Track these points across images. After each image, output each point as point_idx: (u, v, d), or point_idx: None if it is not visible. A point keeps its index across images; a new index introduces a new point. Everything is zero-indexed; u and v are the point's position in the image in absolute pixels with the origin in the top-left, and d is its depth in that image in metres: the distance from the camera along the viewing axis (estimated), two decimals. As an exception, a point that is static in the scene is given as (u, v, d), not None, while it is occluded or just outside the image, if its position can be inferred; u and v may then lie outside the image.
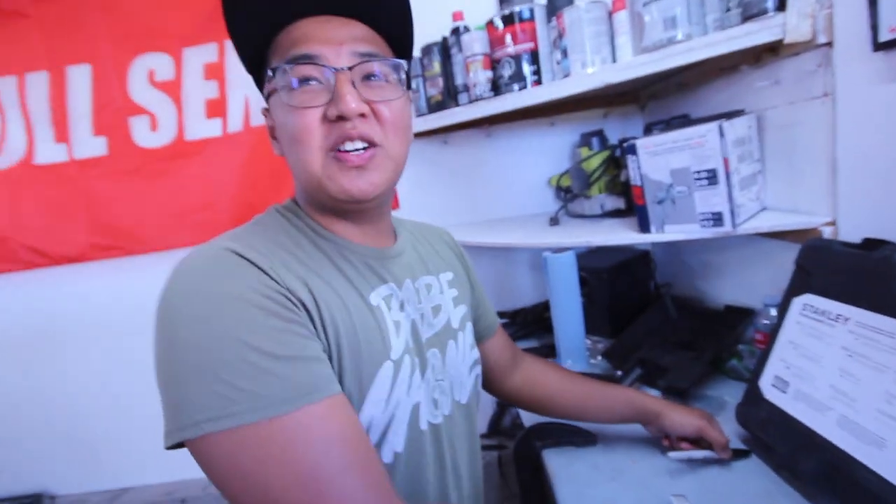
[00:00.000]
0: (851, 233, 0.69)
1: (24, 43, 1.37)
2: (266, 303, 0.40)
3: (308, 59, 0.45)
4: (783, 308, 0.68)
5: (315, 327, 0.43)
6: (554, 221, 1.16)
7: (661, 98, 1.23)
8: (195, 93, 1.39)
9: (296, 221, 0.51)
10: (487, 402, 1.27)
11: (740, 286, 1.00)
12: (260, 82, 0.53)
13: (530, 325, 1.29)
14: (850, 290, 0.59)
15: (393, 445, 0.48)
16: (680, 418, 0.68)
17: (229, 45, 1.35)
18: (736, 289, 1.02)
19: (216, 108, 1.40)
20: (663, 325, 1.04)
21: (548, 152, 1.37)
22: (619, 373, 0.95)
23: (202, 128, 1.40)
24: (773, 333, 0.69)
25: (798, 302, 0.66)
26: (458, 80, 1.16)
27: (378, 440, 0.47)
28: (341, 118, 0.45)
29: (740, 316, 0.93)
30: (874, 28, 0.62)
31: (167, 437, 0.39)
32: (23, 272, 1.48)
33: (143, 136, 1.41)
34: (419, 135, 1.22)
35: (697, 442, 0.68)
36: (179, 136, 1.40)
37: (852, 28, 0.66)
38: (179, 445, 0.39)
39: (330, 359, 0.44)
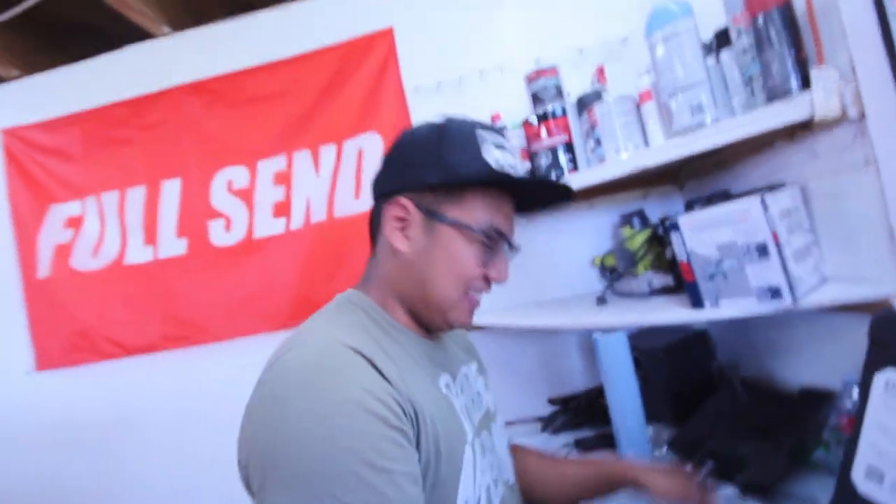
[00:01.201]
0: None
1: (127, 163, 1.63)
2: (379, 408, 0.42)
3: (504, 237, 0.58)
4: (864, 387, 0.62)
5: (418, 431, 0.45)
6: (601, 301, 1.15)
7: (700, 177, 1.25)
8: (265, 196, 1.57)
9: (371, 313, 0.54)
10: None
11: (812, 365, 0.92)
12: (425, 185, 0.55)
13: (584, 412, 1.22)
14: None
15: None
16: (663, 482, 0.66)
17: (297, 156, 1.55)
18: (808, 369, 0.94)
19: (282, 209, 1.56)
20: (733, 411, 0.96)
21: (589, 233, 1.39)
22: (689, 467, 0.86)
23: (269, 226, 1.56)
24: (857, 417, 0.62)
25: (881, 378, 0.60)
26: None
27: None
28: (492, 280, 0.57)
29: (820, 398, 0.85)
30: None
31: None
32: (100, 363, 1.61)
33: (219, 236, 1.57)
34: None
35: None
36: (248, 235, 1.56)
37: (881, 97, 0.67)
38: None
39: (428, 457, 0.46)
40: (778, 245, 0.76)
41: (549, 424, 1.26)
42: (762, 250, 0.77)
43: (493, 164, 0.54)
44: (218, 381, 1.48)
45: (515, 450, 0.75)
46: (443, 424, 0.48)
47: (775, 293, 0.77)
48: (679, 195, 1.36)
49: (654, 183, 1.36)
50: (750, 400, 0.97)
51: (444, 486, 0.46)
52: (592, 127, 1.06)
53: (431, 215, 0.53)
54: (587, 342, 1.37)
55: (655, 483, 0.66)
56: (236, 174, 1.58)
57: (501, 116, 1.32)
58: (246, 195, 1.57)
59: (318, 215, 1.52)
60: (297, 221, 1.54)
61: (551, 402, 1.33)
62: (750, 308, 0.80)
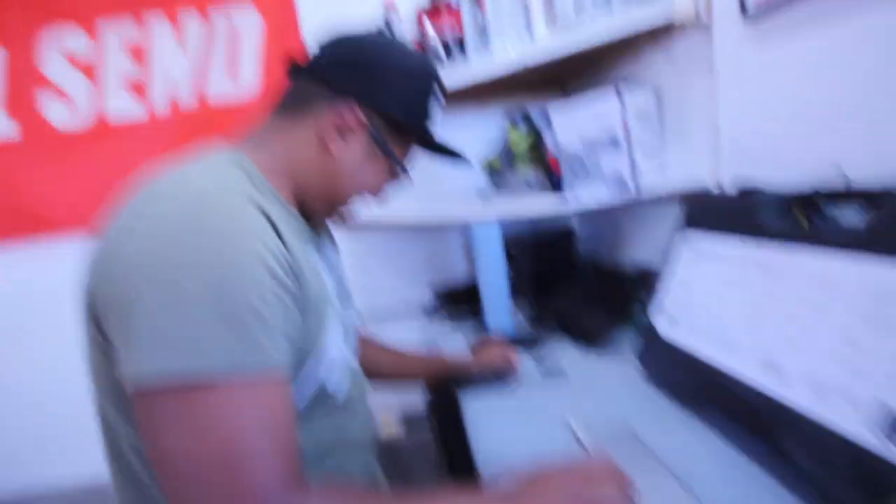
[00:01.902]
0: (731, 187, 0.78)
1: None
2: (273, 264, 0.42)
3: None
4: (673, 251, 0.76)
5: (303, 297, 0.46)
6: (482, 197, 1.21)
7: (580, 80, 1.32)
8: (114, 71, 1.33)
9: (255, 181, 0.50)
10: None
11: (650, 250, 1.09)
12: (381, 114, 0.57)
13: (463, 303, 1.32)
14: (724, 226, 0.66)
15: (347, 387, 0.55)
16: (454, 364, 0.83)
17: (152, 21, 1.32)
18: (646, 253, 1.11)
19: (139, 90, 1.34)
20: (583, 290, 1.11)
21: (477, 132, 1.42)
22: (535, 330, 1.00)
23: (124, 110, 1.35)
24: (664, 277, 0.76)
25: (684, 243, 0.73)
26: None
27: (338, 380, 0.53)
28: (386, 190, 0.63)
29: (647, 274, 1.01)
30: (742, 4, 0.71)
31: (133, 375, 0.38)
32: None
33: (59, 116, 1.33)
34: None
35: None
36: (100, 119, 1.34)
37: (726, 6, 0.75)
38: None
39: (306, 320, 0.47)
40: (628, 138, 0.84)
41: (431, 313, 1.35)
42: (614, 143, 0.85)
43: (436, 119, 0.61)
44: (65, 279, 1.33)
45: (367, 339, 0.83)
46: (317, 294, 0.50)
47: (622, 183, 0.87)
48: (562, 97, 1.43)
49: (539, 86, 1.40)
50: (598, 281, 1.13)
51: (314, 346, 0.49)
52: (482, 20, 1.04)
53: (375, 139, 0.56)
54: (470, 238, 1.46)
55: (469, 365, 0.82)
56: (73, 40, 1.31)
57: (395, 4, 1.23)
58: (87, 68, 1.32)
59: (187, 100, 1.35)
60: (160, 107, 1.34)
61: (432, 290, 1.42)
62: (603, 197, 0.90)
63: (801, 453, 0.46)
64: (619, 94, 0.83)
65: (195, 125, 1.36)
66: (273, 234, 0.43)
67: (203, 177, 0.45)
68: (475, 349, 0.88)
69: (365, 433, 0.60)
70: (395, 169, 0.60)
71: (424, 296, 1.43)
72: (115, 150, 1.35)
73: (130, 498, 0.49)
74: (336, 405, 0.53)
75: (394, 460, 1.34)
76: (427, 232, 1.45)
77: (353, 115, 0.54)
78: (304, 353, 0.47)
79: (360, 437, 0.58)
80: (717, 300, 0.64)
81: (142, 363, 0.37)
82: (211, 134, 1.33)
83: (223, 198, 0.43)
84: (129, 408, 0.44)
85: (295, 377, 0.47)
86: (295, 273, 0.45)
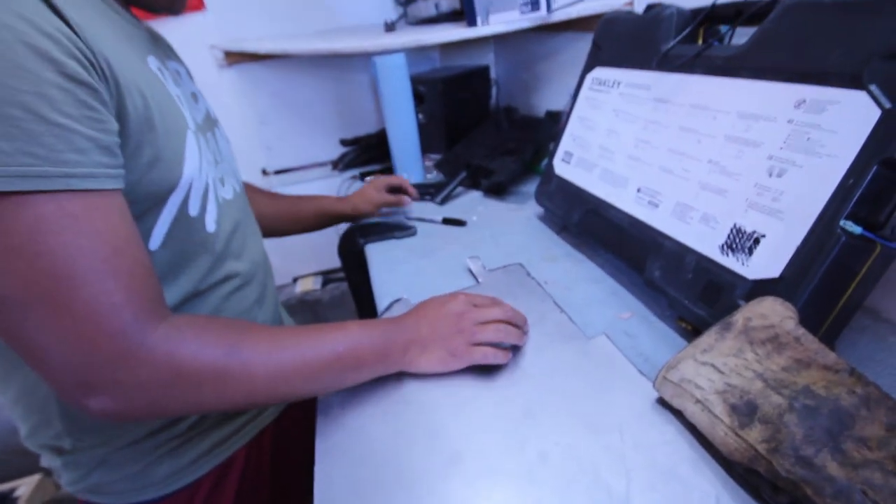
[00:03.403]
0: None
1: None
2: (49, 47, 0.30)
3: None
4: (578, 89, 0.72)
5: (119, 95, 0.36)
6: (390, 28, 1.05)
7: None
8: None
9: None
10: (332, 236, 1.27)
11: (563, 91, 1.04)
12: None
13: (373, 149, 1.25)
14: (626, 54, 0.62)
15: (213, 214, 0.47)
16: (339, 204, 0.83)
17: None
18: (557, 96, 1.06)
19: None
20: (495, 136, 1.07)
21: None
22: (443, 176, 0.98)
23: None
24: (568, 115, 0.73)
25: (588, 78, 0.69)
26: None
27: (201, 206, 0.45)
28: None
29: (556, 117, 0.99)
30: None
31: None
32: None
33: None
34: None
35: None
36: None
37: None
38: None
39: (139, 128, 0.37)
40: (545, -55, 0.72)
41: (339, 163, 1.27)
42: (530, -50, 0.73)
43: None
44: None
45: (249, 188, 0.74)
46: (154, 99, 0.40)
47: (534, 3, 0.77)
48: None
49: None
50: (510, 127, 1.09)
51: (165, 162, 0.40)
52: None
53: None
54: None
55: (334, 205, 0.82)
56: None
57: None
58: None
59: None
60: None
61: (343, 142, 1.32)
62: (513, 21, 0.80)
63: (659, 271, 0.50)
64: None
65: None
66: (44, 8, 0.32)
67: None
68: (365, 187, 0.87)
69: (255, 270, 0.55)
70: None
71: (333, 150, 1.33)
72: None
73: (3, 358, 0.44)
74: (205, 234, 0.47)
75: (312, 313, 1.39)
76: (332, 79, 1.28)
77: None
78: (149, 177, 0.39)
79: (249, 275, 0.54)
80: (608, 134, 0.63)
81: None
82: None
83: None
84: None
85: (145, 207, 0.40)
86: (99, 68, 0.34)
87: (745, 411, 0.33)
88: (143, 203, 0.40)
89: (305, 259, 1.46)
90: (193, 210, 0.45)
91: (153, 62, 0.45)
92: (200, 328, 0.38)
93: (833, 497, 0.28)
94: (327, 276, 1.44)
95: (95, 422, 0.46)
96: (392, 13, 1.22)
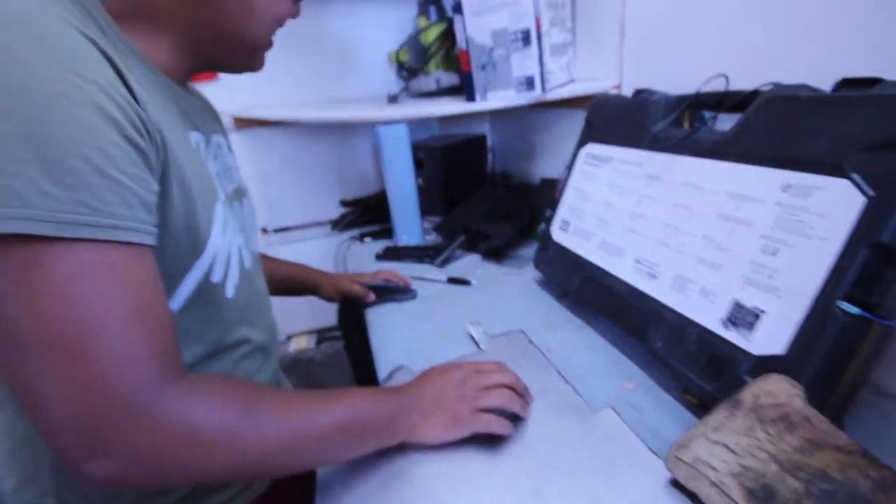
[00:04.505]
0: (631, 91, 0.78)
1: None
2: (111, 109, 0.32)
3: None
4: (572, 162, 0.76)
5: (165, 163, 0.38)
6: (392, 100, 1.12)
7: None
8: None
9: (103, 25, 0.38)
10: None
11: (554, 161, 1.09)
12: None
13: (372, 210, 1.27)
14: (618, 133, 0.66)
15: (234, 281, 0.48)
16: (329, 286, 0.82)
17: None
18: (551, 164, 1.11)
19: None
20: (491, 202, 1.11)
21: (389, 26, 1.28)
22: (441, 239, 1.00)
23: None
24: (563, 186, 0.76)
25: (582, 152, 0.73)
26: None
27: (223, 273, 0.46)
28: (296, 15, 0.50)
29: (550, 184, 1.03)
30: None
31: None
32: None
33: None
34: None
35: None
36: None
37: None
38: None
39: (175, 197, 0.39)
40: (539, 34, 0.79)
41: (338, 223, 1.29)
42: (525, 38, 0.80)
43: None
44: None
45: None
46: (192, 172, 0.42)
47: (530, 83, 0.83)
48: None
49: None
50: (506, 192, 1.13)
51: (195, 231, 0.42)
52: None
53: None
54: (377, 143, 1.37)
55: (323, 285, 0.82)
56: None
57: None
58: None
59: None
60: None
61: (343, 203, 1.35)
62: (510, 99, 0.86)
63: (662, 342, 0.51)
64: (532, -16, 0.76)
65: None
66: (113, 75, 0.34)
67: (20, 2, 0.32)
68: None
69: (266, 337, 0.56)
70: None
71: (333, 210, 1.36)
72: None
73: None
74: (224, 300, 0.47)
75: (305, 373, 1.35)
76: (334, 144, 1.33)
77: None
78: (179, 242, 0.40)
79: (261, 342, 0.54)
80: (604, 206, 0.65)
81: None
82: None
83: (43, 19, 0.32)
84: None
85: (171, 270, 0.40)
86: (151, 136, 0.36)
87: (762, 496, 0.33)
88: (170, 265, 0.40)
89: (299, 317, 1.44)
90: (216, 277, 0.45)
91: (195, 136, 0.48)
92: (216, 389, 0.37)
93: None
94: (322, 335, 1.42)
95: (84, 485, 0.43)
96: (394, 86, 1.29)
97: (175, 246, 0.40)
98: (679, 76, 0.68)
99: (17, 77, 0.29)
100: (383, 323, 0.73)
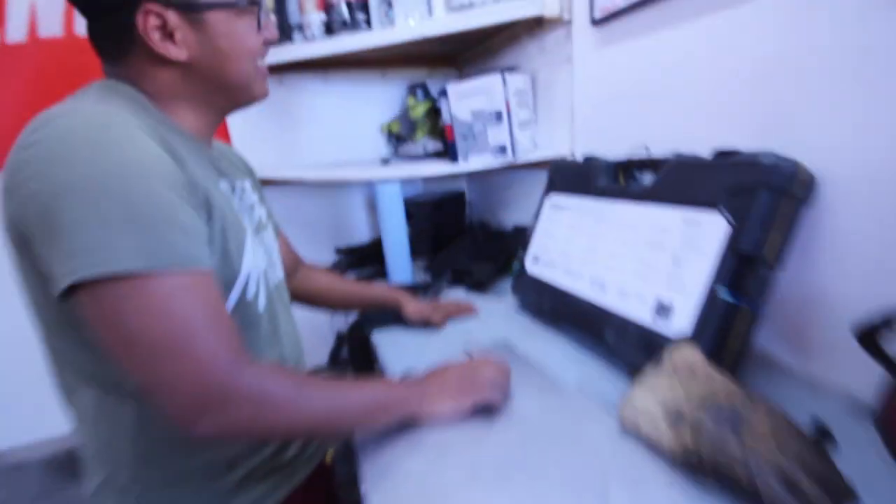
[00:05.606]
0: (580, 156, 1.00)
1: None
2: (173, 180, 0.46)
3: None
4: (539, 209, 0.95)
5: (210, 215, 0.51)
6: (385, 162, 1.32)
7: (473, 63, 1.47)
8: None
9: (147, 108, 0.53)
10: (327, 336, 1.38)
11: (524, 210, 1.30)
12: None
13: (366, 258, 1.43)
14: (573, 186, 0.87)
15: (262, 299, 0.60)
16: (412, 308, 0.91)
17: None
18: (521, 213, 1.32)
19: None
20: (471, 245, 1.29)
21: (380, 102, 1.51)
22: (430, 278, 1.16)
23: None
24: (532, 228, 0.96)
25: (547, 202, 0.93)
26: (293, 20, 1.21)
27: (255, 292, 0.58)
28: (269, 43, 0.61)
29: (522, 231, 1.22)
30: (591, 9, 0.90)
31: (62, 280, 0.41)
32: None
33: None
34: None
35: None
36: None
37: (582, 9, 0.94)
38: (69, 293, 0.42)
39: (216, 238, 0.52)
40: (509, 113, 1.01)
41: (336, 268, 1.44)
42: (498, 116, 1.02)
43: None
44: None
45: (309, 266, 0.91)
46: (224, 213, 0.54)
47: (503, 150, 1.04)
48: (457, 77, 1.58)
49: (437, 63, 1.53)
50: (484, 238, 1.32)
51: (229, 258, 0.54)
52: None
53: (189, 8, 0.51)
54: (370, 199, 1.55)
55: (408, 307, 0.91)
56: None
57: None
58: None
59: (50, 28, 1.20)
60: (16, 32, 1.19)
61: (338, 251, 1.50)
62: (487, 162, 1.07)
63: (613, 337, 0.68)
64: (503, 77, 0.99)
65: (59, 56, 1.22)
66: (167, 157, 0.47)
67: (96, 105, 0.47)
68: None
69: (291, 348, 0.67)
70: (242, 18, 0.55)
71: (328, 257, 1.51)
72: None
73: (91, 419, 0.53)
74: (257, 315, 0.59)
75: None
76: (330, 198, 1.51)
77: (152, 13, 0.50)
78: (216, 268, 0.52)
79: (288, 354, 0.66)
80: (566, 242, 0.84)
81: (74, 271, 0.41)
82: (76, 69, 1.22)
83: (115, 124, 0.45)
84: (70, 327, 0.49)
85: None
86: (197, 192, 0.50)
87: (675, 416, 0.49)
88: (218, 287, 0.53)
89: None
90: (249, 295, 0.58)
91: (223, 184, 0.61)
92: (276, 370, 0.51)
93: (743, 467, 0.43)
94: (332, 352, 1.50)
95: (156, 474, 0.54)
96: (384, 151, 1.50)
97: (218, 271, 0.52)
98: (615, 145, 0.90)
99: (104, 161, 0.43)
100: (389, 342, 0.87)
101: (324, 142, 1.48)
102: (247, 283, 0.57)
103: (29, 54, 1.19)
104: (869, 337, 0.49)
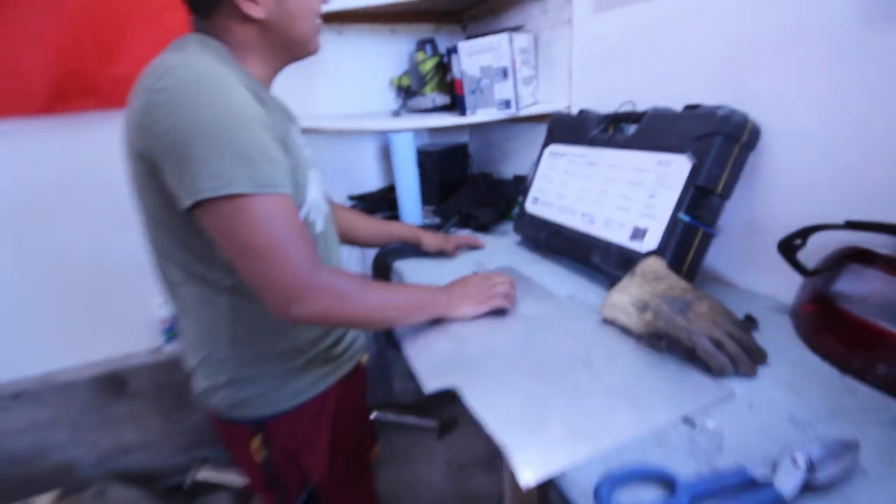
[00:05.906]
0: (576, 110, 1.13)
1: None
2: (264, 122, 0.59)
3: None
4: (539, 158, 1.09)
5: (286, 148, 0.63)
6: (396, 114, 1.43)
7: (477, 20, 1.56)
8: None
9: (232, 64, 0.64)
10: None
11: (523, 161, 1.44)
12: None
13: (378, 202, 1.57)
14: (569, 136, 1.01)
15: (320, 221, 0.74)
16: (429, 239, 1.06)
17: None
18: (521, 164, 1.46)
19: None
20: (474, 193, 1.43)
21: (390, 56, 1.60)
22: (440, 220, 1.31)
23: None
24: (533, 174, 1.10)
25: (546, 151, 1.08)
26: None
27: (314, 215, 0.72)
28: (325, 1, 0.71)
29: (521, 179, 1.37)
30: (590, -22, 1.01)
31: (190, 198, 0.54)
32: None
33: None
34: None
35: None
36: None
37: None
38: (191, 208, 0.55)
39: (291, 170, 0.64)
40: (514, 70, 1.13)
41: (348, 214, 1.57)
42: (504, 73, 1.14)
43: None
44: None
45: (337, 206, 1.04)
46: (297, 150, 0.67)
47: (507, 104, 1.17)
48: (462, 34, 1.66)
49: (444, 21, 1.61)
50: (486, 186, 1.46)
51: (300, 187, 0.68)
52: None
53: None
54: (382, 149, 1.67)
55: (426, 239, 1.05)
56: None
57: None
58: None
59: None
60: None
61: (351, 198, 1.63)
62: (492, 114, 1.19)
63: (598, 258, 0.84)
64: (510, 36, 1.10)
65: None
66: (256, 102, 0.59)
67: (200, 57, 0.59)
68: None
69: (338, 266, 0.83)
70: None
71: (345, 205, 1.64)
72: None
73: (193, 309, 0.68)
74: (315, 236, 0.72)
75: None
76: (343, 148, 1.62)
77: None
78: (294, 197, 0.64)
79: (335, 265, 0.81)
80: (561, 184, 0.99)
81: (200, 192, 0.54)
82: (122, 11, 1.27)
83: (217, 75, 0.57)
84: (182, 235, 0.63)
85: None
86: (279, 132, 0.62)
87: (641, 306, 0.66)
88: None
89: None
90: (311, 217, 0.72)
91: (292, 128, 0.75)
92: (343, 273, 0.66)
93: (686, 334, 0.60)
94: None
95: (246, 352, 0.70)
96: (393, 104, 1.61)
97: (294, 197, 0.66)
98: (606, 99, 1.03)
99: (218, 107, 0.55)
100: (410, 269, 1.03)
101: (337, 94, 1.58)
102: (310, 209, 0.71)
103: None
104: (786, 246, 0.65)
